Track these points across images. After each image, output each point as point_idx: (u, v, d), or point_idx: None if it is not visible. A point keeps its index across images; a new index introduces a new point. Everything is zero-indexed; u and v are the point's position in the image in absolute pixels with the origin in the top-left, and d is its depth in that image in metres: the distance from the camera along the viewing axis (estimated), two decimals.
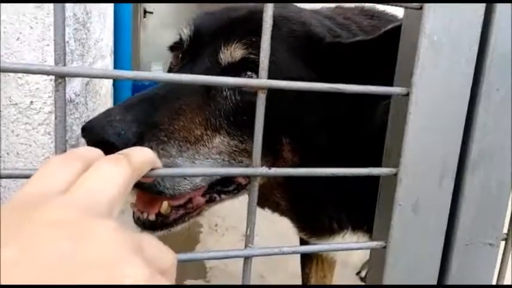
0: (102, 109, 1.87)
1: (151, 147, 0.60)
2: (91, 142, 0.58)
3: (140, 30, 8.68)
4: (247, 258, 0.41)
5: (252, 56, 0.69)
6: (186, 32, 0.77)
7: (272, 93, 0.67)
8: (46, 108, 0.44)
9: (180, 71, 0.77)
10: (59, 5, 0.33)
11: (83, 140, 0.88)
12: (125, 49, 4.16)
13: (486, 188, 0.46)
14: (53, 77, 0.37)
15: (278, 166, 0.74)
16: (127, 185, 0.31)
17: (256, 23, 0.54)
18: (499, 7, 0.43)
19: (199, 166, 0.67)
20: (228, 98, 0.69)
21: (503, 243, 0.50)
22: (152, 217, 0.70)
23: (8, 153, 0.44)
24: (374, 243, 0.46)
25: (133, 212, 0.72)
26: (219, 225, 2.12)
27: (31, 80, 0.39)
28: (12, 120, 0.41)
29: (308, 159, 0.74)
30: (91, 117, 1.07)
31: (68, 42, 0.58)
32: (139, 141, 0.60)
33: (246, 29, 0.70)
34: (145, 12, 9.04)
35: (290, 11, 0.79)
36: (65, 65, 0.34)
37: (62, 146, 0.35)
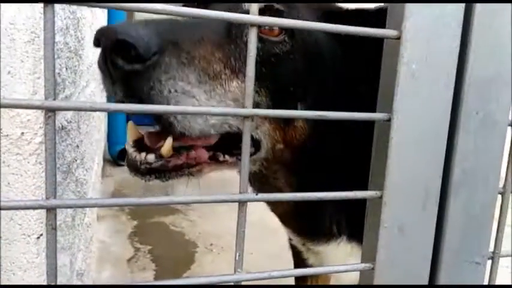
0: (96, 131, 1.88)
1: (170, 63, 0.58)
2: (109, 41, 0.53)
3: None
4: (236, 283, 0.42)
5: (277, 5, 0.70)
6: None
7: (300, 47, 0.69)
8: (37, 138, 0.45)
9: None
10: (50, 39, 0.34)
11: (74, 166, 0.89)
12: None
13: (469, 210, 0.47)
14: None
15: (287, 136, 0.74)
16: None
17: None
18: (475, 33, 0.45)
19: (214, 106, 0.64)
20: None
21: (489, 261, 0.51)
22: (151, 157, 0.65)
23: None
24: (362, 265, 0.47)
25: (128, 154, 0.67)
26: (214, 244, 2.11)
27: (22, 112, 0.40)
28: (3, 151, 0.42)
29: (319, 134, 0.75)
30: (84, 141, 1.09)
31: (59, 73, 0.60)
32: (159, 53, 0.57)
33: None
34: None
35: None
36: (55, 98, 0.35)
37: (52, 178, 0.36)
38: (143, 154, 0.65)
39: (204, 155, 0.71)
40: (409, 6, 0.41)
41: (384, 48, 0.45)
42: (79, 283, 1.00)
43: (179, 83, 0.59)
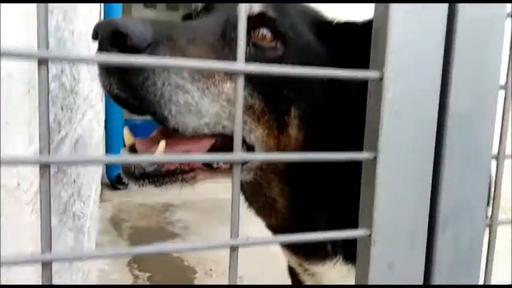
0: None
1: (164, 55, 0.59)
2: (106, 32, 0.55)
3: None
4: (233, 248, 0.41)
5: (270, 13, 0.72)
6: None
7: (292, 52, 0.71)
8: (33, 188, 0.46)
9: (196, 19, 0.78)
10: (44, 97, 0.35)
11: (71, 202, 0.90)
12: None
13: (458, 244, 0.48)
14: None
15: (280, 144, 0.75)
16: None
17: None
18: (456, 70, 0.46)
19: (207, 105, 0.65)
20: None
21: None
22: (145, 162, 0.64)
23: None
24: None
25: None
26: (213, 270, 2.10)
27: None
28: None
29: (313, 145, 0.75)
30: (81, 174, 1.10)
31: (54, 118, 0.61)
32: (154, 43, 0.57)
33: None
34: None
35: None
36: (49, 152, 0.36)
37: (47, 230, 0.36)
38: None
39: None
40: (390, 49, 0.43)
41: (368, 88, 0.47)
42: None
43: (173, 76, 0.60)
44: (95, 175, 1.98)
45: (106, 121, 3.66)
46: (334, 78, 0.43)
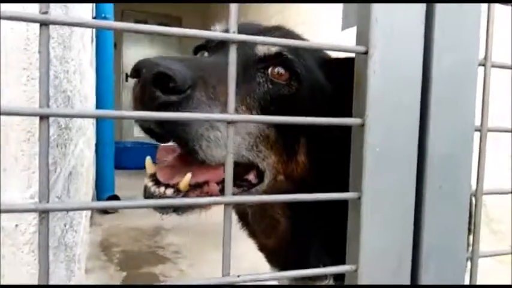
0: (84, 185, 1.90)
1: (201, 97, 0.63)
2: (149, 73, 0.57)
3: (123, 94, 8.88)
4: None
5: (285, 53, 0.78)
6: (218, 28, 0.86)
7: (305, 88, 0.76)
8: (30, 229, 0.47)
9: (213, 57, 0.82)
10: (44, 151, 0.37)
11: (64, 233, 0.90)
12: None
13: (441, 279, 0.50)
14: (37, 199, 0.40)
15: (287, 170, 0.81)
16: None
17: (286, 31, 0.75)
18: (433, 115, 0.50)
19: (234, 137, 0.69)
20: (261, 84, 0.77)
21: None
22: (170, 192, 0.68)
23: None
24: None
25: (146, 188, 0.69)
26: None
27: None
28: None
29: (318, 170, 0.81)
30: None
31: (52, 157, 0.63)
32: (193, 86, 0.62)
33: (281, 32, 0.81)
34: (127, 76, 9.32)
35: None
36: (48, 201, 0.38)
37: (45, 273, 0.38)
38: (162, 188, 0.68)
39: (216, 189, 0.74)
40: (370, 98, 0.46)
41: (351, 133, 0.50)
42: None
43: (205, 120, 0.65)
44: (85, 200, 1.98)
45: (97, 144, 3.66)
46: (322, 124, 0.46)
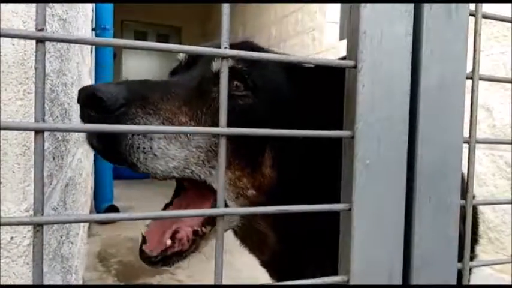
0: (82, 196, 1.90)
1: (136, 113, 0.67)
2: (84, 97, 0.63)
3: None
4: None
5: (239, 66, 0.79)
6: (183, 55, 0.90)
7: (263, 99, 0.76)
8: (25, 241, 0.48)
9: (177, 75, 0.86)
10: (39, 163, 0.38)
11: (60, 245, 0.90)
12: None
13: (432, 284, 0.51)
14: (32, 211, 0.41)
15: (255, 183, 0.80)
16: None
17: (245, 45, 0.77)
18: (422, 127, 0.50)
19: (175, 151, 0.71)
20: (215, 100, 0.77)
21: None
22: (156, 252, 0.76)
23: None
24: None
25: (141, 246, 0.77)
26: None
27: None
28: None
29: (284, 181, 0.80)
30: (70, 214, 1.11)
31: (48, 170, 0.63)
32: (126, 104, 0.66)
33: (236, 47, 0.79)
34: None
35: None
36: (42, 214, 0.39)
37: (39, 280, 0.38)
38: (147, 251, 0.76)
39: (188, 231, 0.78)
40: (359, 111, 0.47)
41: (343, 146, 0.50)
42: None
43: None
44: (82, 210, 1.98)
45: (95, 154, 3.66)
46: (311, 137, 0.47)
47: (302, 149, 0.83)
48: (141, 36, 8.59)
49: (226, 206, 0.79)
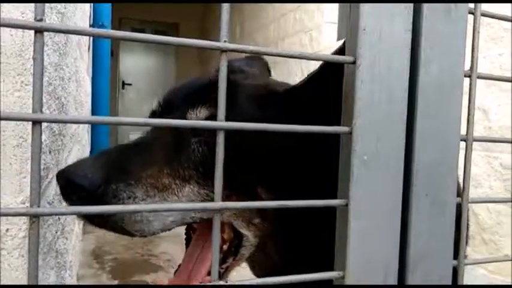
0: None
1: (117, 188, 0.66)
2: (63, 185, 0.63)
3: (119, 101, 8.90)
4: None
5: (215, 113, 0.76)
6: (158, 103, 0.87)
7: (240, 144, 0.75)
8: (21, 233, 0.47)
9: (152, 129, 0.83)
10: (36, 154, 0.38)
11: (55, 240, 0.90)
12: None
13: (428, 284, 0.51)
14: (28, 204, 0.41)
15: (258, 212, 0.77)
16: None
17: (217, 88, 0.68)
18: (420, 124, 0.51)
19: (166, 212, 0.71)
20: (195, 150, 0.75)
21: None
22: None
23: None
24: None
25: None
26: None
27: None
28: None
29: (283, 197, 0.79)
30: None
31: (44, 163, 0.63)
32: (106, 184, 0.65)
33: (208, 93, 0.78)
34: (123, 84, 9.33)
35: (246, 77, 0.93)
36: (39, 205, 0.38)
37: (34, 277, 0.38)
38: None
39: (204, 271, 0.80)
40: (357, 107, 0.47)
41: (340, 142, 0.51)
42: None
43: (126, 201, 0.68)
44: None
45: (91, 151, 3.65)
46: (313, 132, 0.47)
47: (295, 174, 0.81)
48: (138, 32, 8.55)
49: (240, 234, 0.80)
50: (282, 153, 0.80)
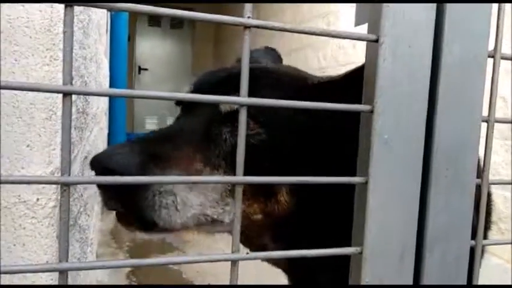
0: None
1: (152, 173, 0.68)
2: (98, 171, 0.65)
3: (135, 86, 8.97)
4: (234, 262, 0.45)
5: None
6: (188, 89, 0.89)
7: (275, 134, 0.75)
8: (50, 203, 0.49)
9: (182, 118, 0.86)
10: (67, 125, 0.39)
11: (78, 215, 0.93)
12: (120, 105, 4.29)
13: (445, 262, 0.51)
14: (57, 175, 0.43)
15: (266, 211, 0.78)
16: None
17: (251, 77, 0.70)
18: (441, 103, 0.51)
19: (194, 198, 0.72)
20: (227, 140, 0.77)
21: None
22: None
23: (14, 245, 0.49)
24: None
25: None
26: (212, 283, 2.12)
27: None
28: (20, 215, 0.47)
29: (304, 202, 0.79)
30: (88, 187, 1.13)
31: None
32: (141, 169, 0.67)
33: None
34: (140, 69, 9.38)
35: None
36: (69, 173, 0.40)
37: (65, 243, 0.40)
38: None
39: None
40: (379, 85, 0.47)
41: (360, 120, 0.51)
42: None
43: (160, 188, 0.69)
44: None
45: (109, 134, 3.71)
46: (329, 109, 0.47)
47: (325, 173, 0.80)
48: (154, 20, 8.58)
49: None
50: (309, 152, 0.80)
